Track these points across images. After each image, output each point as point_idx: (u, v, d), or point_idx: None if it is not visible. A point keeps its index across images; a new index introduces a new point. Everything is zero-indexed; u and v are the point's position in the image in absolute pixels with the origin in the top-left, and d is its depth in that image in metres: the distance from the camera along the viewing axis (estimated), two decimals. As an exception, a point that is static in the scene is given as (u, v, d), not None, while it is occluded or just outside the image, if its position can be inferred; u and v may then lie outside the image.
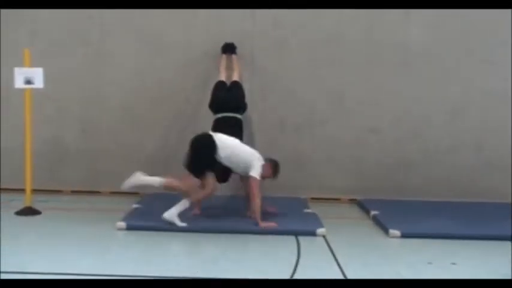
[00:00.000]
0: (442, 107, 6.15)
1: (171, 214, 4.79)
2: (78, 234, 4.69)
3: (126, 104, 6.17)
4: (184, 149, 6.10)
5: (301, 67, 6.13)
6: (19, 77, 5.22)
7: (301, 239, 4.65)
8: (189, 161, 4.93)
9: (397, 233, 4.82)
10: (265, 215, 4.97)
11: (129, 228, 4.78)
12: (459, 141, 6.16)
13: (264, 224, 4.82)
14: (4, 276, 3.56)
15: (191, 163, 4.90)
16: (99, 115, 6.19)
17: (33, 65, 5.26)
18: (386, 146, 6.21)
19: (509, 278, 3.85)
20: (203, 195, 4.91)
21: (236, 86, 5.71)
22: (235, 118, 5.49)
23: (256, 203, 4.83)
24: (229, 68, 5.92)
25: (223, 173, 5.10)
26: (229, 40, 6.01)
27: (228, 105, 5.50)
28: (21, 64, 5.27)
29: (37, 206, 5.33)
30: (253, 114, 6.07)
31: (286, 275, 3.83)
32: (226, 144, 4.93)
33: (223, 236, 4.68)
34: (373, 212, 5.47)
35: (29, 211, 5.23)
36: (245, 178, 5.07)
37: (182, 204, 4.83)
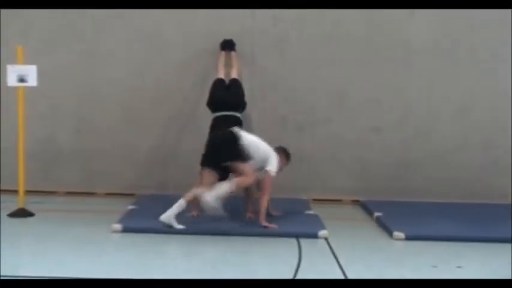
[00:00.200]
0: (447, 105, 6.16)
1: (169, 216, 4.80)
2: (72, 236, 4.69)
3: (122, 102, 6.17)
4: (182, 149, 6.17)
5: (302, 65, 6.14)
6: (12, 74, 5.22)
7: (302, 241, 4.65)
8: (216, 157, 4.88)
9: (401, 235, 4.82)
10: (268, 218, 4.98)
11: (125, 230, 4.78)
12: (465, 141, 6.17)
13: (266, 223, 4.82)
14: (-4, 280, 3.57)
15: (220, 158, 4.84)
16: (94, 114, 6.19)
17: (26, 62, 5.26)
18: (389, 145, 6.21)
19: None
20: (248, 183, 4.87)
21: (235, 84, 5.71)
22: (234, 117, 5.49)
23: (265, 199, 4.85)
24: (228, 66, 5.92)
25: (223, 171, 5.08)
26: (228, 37, 6.02)
27: (227, 103, 5.50)
28: (14, 61, 5.27)
29: (30, 208, 5.33)
30: (253, 113, 6.08)
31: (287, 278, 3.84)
32: (247, 137, 4.97)
33: (222, 239, 4.68)
34: (376, 214, 5.47)
35: (22, 213, 5.23)
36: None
37: (179, 206, 4.84)
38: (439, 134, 6.19)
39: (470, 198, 6.05)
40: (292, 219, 5.23)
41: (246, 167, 4.87)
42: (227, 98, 5.58)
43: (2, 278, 3.60)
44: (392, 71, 6.14)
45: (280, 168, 5.09)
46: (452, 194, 6.12)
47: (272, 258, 4.30)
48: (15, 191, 5.38)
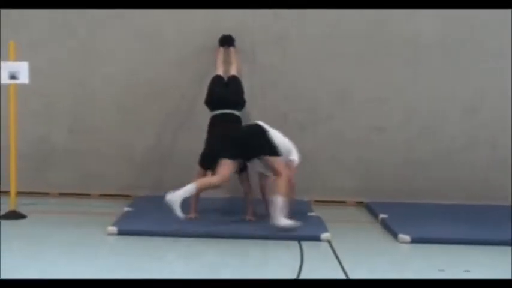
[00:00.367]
0: (455, 104, 6.15)
1: (176, 198, 4.61)
2: (66, 239, 4.68)
3: (118, 100, 6.17)
4: (180, 148, 6.16)
5: (303, 61, 6.14)
6: (3, 71, 5.22)
7: (304, 244, 4.64)
8: (245, 150, 4.87)
9: (407, 238, 4.81)
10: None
11: (121, 233, 4.77)
12: (473, 140, 6.16)
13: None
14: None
15: (251, 151, 4.85)
16: (89, 112, 6.19)
17: (18, 58, 5.25)
18: (395, 145, 6.21)
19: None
20: (290, 175, 4.89)
21: (234, 81, 5.71)
22: (234, 115, 5.48)
23: (286, 194, 4.73)
24: (227, 62, 5.92)
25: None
26: (227, 32, 6.01)
27: (226, 101, 5.50)
28: (5, 58, 5.27)
29: (22, 210, 5.32)
30: (253, 111, 6.07)
31: (288, 283, 3.84)
32: (272, 130, 5.02)
33: (221, 241, 4.68)
34: (381, 216, 5.46)
35: (13, 215, 5.23)
36: (263, 177, 5.11)
37: (188, 190, 4.68)
38: (445, 133, 6.19)
39: (478, 200, 6.04)
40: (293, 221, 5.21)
41: (277, 161, 4.83)
42: (226, 95, 5.57)
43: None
44: (397, 68, 6.13)
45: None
46: (460, 195, 6.12)
47: (273, 262, 4.30)
48: (7, 192, 5.38)
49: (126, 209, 5.46)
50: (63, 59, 6.14)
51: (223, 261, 4.25)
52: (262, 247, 4.61)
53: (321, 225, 5.07)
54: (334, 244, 4.68)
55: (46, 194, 6.16)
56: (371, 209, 5.85)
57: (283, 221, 4.73)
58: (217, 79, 5.74)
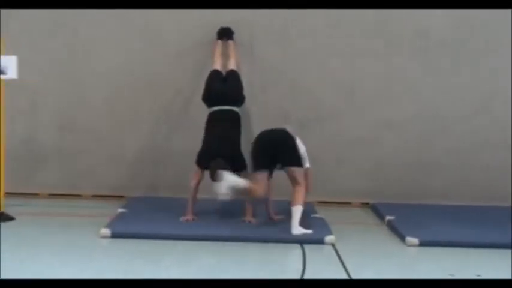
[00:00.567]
0: (466, 101, 6.16)
1: (298, 228, 4.79)
2: (56, 242, 4.70)
3: (110, 96, 6.18)
4: (175, 147, 6.17)
5: (306, 55, 6.14)
6: (-10, 66, 5.24)
7: (307, 247, 4.66)
8: (272, 157, 4.97)
9: (415, 240, 4.83)
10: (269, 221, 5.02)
11: (114, 235, 4.79)
12: (486, 139, 6.17)
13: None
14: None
15: (295, 156, 4.96)
16: (79, 109, 6.20)
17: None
18: (403, 144, 6.22)
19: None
20: (308, 184, 5.04)
21: (233, 76, 5.73)
22: (232, 111, 5.50)
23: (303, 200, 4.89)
24: (226, 56, 5.93)
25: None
26: (226, 25, 6.02)
27: (224, 97, 5.52)
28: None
29: (10, 211, 5.34)
30: (253, 108, 6.09)
31: (290, 288, 3.85)
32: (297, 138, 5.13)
33: (219, 244, 4.70)
34: (388, 217, 5.48)
35: (0, 217, 5.24)
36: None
37: (298, 212, 4.82)
38: (457, 131, 6.20)
39: (490, 201, 6.06)
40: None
41: (300, 172, 4.96)
42: (224, 91, 5.59)
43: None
44: (406, 63, 6.14)
45: None
46: (471, 196, 6.13)
47: (274, 267, 4.31)
48: (-6, 194, 5.40)
49: (119, 210, 5.48)
50: (51, 54, 6.14)
51: (221, 265, 4.27)
52: (263, 250, 4.63)
53: (325, 228, 5.09)
54: (338, 247, 4.70)
55: (35, 195, 6.17)
56: (377, 211, 5.87)
57: (300, 229, 4.82)
58: (215, 74, 5.75)
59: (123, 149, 6.23)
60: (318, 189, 6.07)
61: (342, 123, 6.20)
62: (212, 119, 5.47)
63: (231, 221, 5.26)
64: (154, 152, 6.23)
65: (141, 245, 4.65)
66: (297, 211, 4.86)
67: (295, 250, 4.61)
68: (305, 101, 6.16)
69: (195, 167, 5.30)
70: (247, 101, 5.82)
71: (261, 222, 5.18)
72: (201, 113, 5.63)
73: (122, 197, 6.13)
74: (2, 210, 5.30)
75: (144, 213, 5.40)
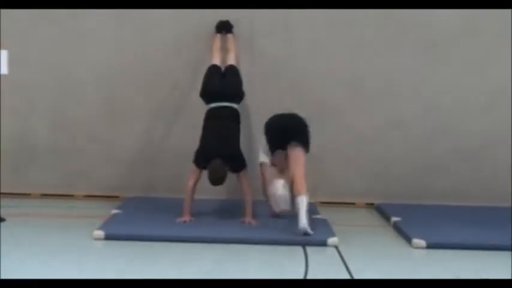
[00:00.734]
0: (476, 97, 6.16)
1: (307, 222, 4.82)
2: (48, 244, 4.71)
3: (104, 93, 6.20)
4: (172, 145, 6.18)
5: (309, 49, 6.15)
6: (-21, 61, 5.26)
7: (309, 249, 4.67)
8: (290, 136, 5.17)
9: (422, 242, 4.84)
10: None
11: (108, 237, 4.81)
12: (496, 138, 6.17)
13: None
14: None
15: (304, 137, 5.20)
16: (72, 106, 6.21)
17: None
18: (410, 142, 6.23)
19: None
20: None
21: (232, 71, 5.73)
22: (231, 108, 5.51)
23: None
24: (225, 50, 5.94)
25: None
26: (225, 18, 6.02)
27: (223, 93, 5.52)
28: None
29: (1, 212, 5.34)
30: (253, 104, 6.10)
31: (291, 292, 3.87)
32: None
33: (217, 247, 4.71)
34: (393, 219, 5.49)
35: (-9, 218, 5.27)
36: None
37: (304, 202, 4.86)
38: (467, 129, 6.20)
39: (501, 202, 6.06)
40: (297, 225, 5.24)
41: (304, 158, 5.12)
42: (223, 87, 5.60)
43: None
44: (414, 58, 6.13)
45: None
46: (481, 196, 6.14)
47: (274, 270, 4.31)
48: (-17, 194, 5.43)
49: (113, 211, 5.49)
50: (43, 47, 6.14)
51: (219, 268, 4.28)
52: (262, 253, 4.64)
53: (328, 229, 5.10)
54: (341, 250, 4.71)
55: (27, 195, 6.19)
56: (382, 211, 5.87)
57: (307, 225, 4.83)
58: (213, 69, 5.76)
59: (118, 147, 6.24)
60: (320, 189, 6.13)
61: (345, 121, 6.20)
62: (210, 116, 5.48)
63: (230, 222, 5.27)
64: (150, 150, 6.24)
65: (137, 247, 4.66)
66: (303, 201, 4.87)
67: (297, 252, 4.62)
68: (308, 97, 6.16)
69: (192, 166, 5.30)
70: (247, 98, 5.83)
71: (261, 224, 5.18)
72: (199, 109, 5.64)
73: (116, 197, 6.15)
74: (-8, 211, 5.33)
75: (139, 214, 5.41)
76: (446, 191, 6.18)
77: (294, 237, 4.87)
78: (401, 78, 6.18)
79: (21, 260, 4.34)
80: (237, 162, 5.27)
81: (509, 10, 5.99)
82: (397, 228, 5.32)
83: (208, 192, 5.49)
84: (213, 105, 5.52)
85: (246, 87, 5.77)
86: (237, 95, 5.63)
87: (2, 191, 5.64)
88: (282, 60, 6.15)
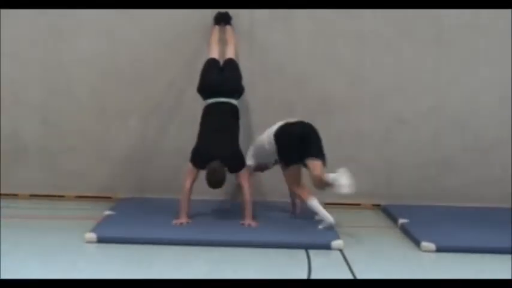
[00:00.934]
0: (488, 92, 6.17)
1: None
2: (38, 248, 4.71)
3: (96, 88, 6.20)
4: (167, 143, 6.19)
5: (313, 42, 6.15)
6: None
7: (312, 253, 4.69)
8: (315, 148, 5.31)
9: (431, 246, 4.85)
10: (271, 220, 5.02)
11: (101, 240, 4.81)
12: (508, 135, 6.18)
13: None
14: None
15: (319, 149, 5.32)
16: (63, 103, 6.21)
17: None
18: (418, 140, 6.24)
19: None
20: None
21: (231, 65, 5.74)
22: (230, 104, 5.52)
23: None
24: (223, 42, 5.95)
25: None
26: (223, 8, 6.03)
27: (221, 88, 5.53)
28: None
29: (-13, 214, 5.39)
30: (253, 100, 6.11)
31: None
32: None
33: (215, 250, 4.72)
34: (401, 220, 5.51)
35: (-24, 220, 5.28)
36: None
37: (317, 204, 5.19)
38: (478, 126, 6.22)
39: (513, 202, 6.10)
40: (300, 226, 5.26)
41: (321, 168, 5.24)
42: (221, 82, 5.60)
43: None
44: (422, 51, 6.14)
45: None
46: (494, 197, 6.16)
47: (276, 275, 4.30)
48: (-31, 194, 5.44)
49: (106, 212, 5.51)
50: (32, 39, 6.15)
51: (217, 273, 4.28)
52: (263, 256, 4.65)
53: (332, 232, 5.10)
54: (346, 253, 4.72)
55: (14, 195, 6.19)
56: (389, 213, 5.89)
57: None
58: (211, 62, 5.76)
59: (111, 145, 6.25)
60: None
61: (351, 117, 6.22)
62: (208, 113, 5.49)
63: (229, 224, 5.28)
64: (145, 148, 6.25)
65: (131, 251, 4.67)
66: (316, 203, 5.16)
67: (299, 256, 4.63)
68: (311, 92, 6.18)
69: (189, 165, 5.31)
70: (247, 93, 5.83)
71: (262, 226, 5.20)
72: (196, 105, 5.65)
73: (109, 198, 6.16)
74: (-22, 212, 5.35)
75: (133, 216, 5.42)
76: (456, 192, 6.20)
77: (296, 240, 4.89)
78: (409, 73, 6.19)
79: (7, 264, 4.32)
80: (236, 162, 5.28)
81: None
82: (405, 230, 5.33)
83: (206, 193, 5.48)
84: (211, 101, 5.53)
85: (246, 81, 5.77)
86: (237, 90, 5.64)
87: (-13, 192, 5.66)
88: (284, 53, 6.15)
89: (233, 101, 5.55)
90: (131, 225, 5.14)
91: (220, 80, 5.62)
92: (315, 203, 5.19)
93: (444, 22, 6.11)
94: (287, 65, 6.16)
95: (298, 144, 5.27)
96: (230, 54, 5.84)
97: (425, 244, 4.86)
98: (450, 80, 6.19)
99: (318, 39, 6.15)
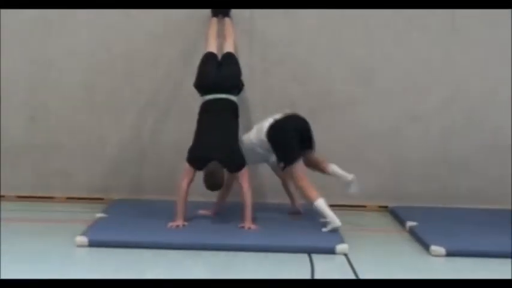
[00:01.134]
0: (504, 86, 6.17)
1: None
2: (26, 252, 4.72)
3: (87, 82, 6.21)
4: (162, 142, 6.20)
5: (316, 34, 6.17)
6: None
7: (315, 257, 4.70)
8: (310, 139, 5.55)
9: (441, 250, 4.86)
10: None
11: (92, 244, 4.83)
12: (524, 133, 6.21)
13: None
14: None
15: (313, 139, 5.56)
16: (51, 98, 6.22)
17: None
18: (429, 138, 6.26)
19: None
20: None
21: (229, 60, 5.75)
22: (229, 101, 5.53)
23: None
24: (221, 36, 5.96)
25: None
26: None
27: (220, 84, 5.54)
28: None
29: (-29, 217, 5.40)
30: (253, 96, 6.13)
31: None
32: None
33: (212, 254, 4.73)
34: (409, 223, 5.52)
35: (-40, 223, 5.30)
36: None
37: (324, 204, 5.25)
38: (493, 122, 6.22)
39: (528, 204, 6.11)
40: (302, 229, 5.28)
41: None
42: (219, 77, 5.61)
43: None
44: (433, 43, 6.15)
45: None
46: (505, 198, 6.16)
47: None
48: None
49: (98, 215, 5.52)
50: (18, 31, 6.16)
51: (214, 279, 4.29)
52: (263, 261, 4.66)
53: (336, 235, 5.12)
54: (351, 258, 4.73)
55: (1, 197, 6.21)
56: (397, 215, 5.91)
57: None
58: (209, 56, 5.77)
59: (102, 143, 6.26)
60: (328, 190, 6.14)
61: (357, 113, 6.23)
62: (206, 110, 5.50)
63: (228, 227, 5.30)
64: (138, 147, 6.27)
65: (123, 255, 4.68)
66: (324, 204, 5.22)
67: (302, 261, 4.65)
68: (315, 86, 6.20)
69: (185, 165, 5.32)
70: (247, 87, 5.85)
71: (262, 229, 5.22)
72: (193, 102, 5.66)
73: (101, 199, 6.18)
74: (-38, 214, 5.36)
75: (126, 219, 5.44)
76: (468, 193, 6.21)
77: (298, 243, 4.91)
78: (419, 66, 6.20)
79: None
80: (236, 162, 5.29)
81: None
82: (413, 233, 5.34)
83: (204, 194, 5.51)
84: (209, 97, 5.54)
85: (246, 76, 5.79)
86: (235, 85, 5.65)
87: (-28, 193, 5.68)
88: (286, 46, 6.16)
89: (232, 98, 5.56)
90: (124, 229, 5.16)
91: (219, 75, 5.62)
92: (322, 204, 5.20)
93: (457, 11, 6.07)
94: (288, 58, 6.17)
95: (297, 138, 5.36)
96: (229, 48, 5.84)
97: (435, 248, 4.87)
98: (464, 73, 6.17)
99: (321, 30, 6.16)
